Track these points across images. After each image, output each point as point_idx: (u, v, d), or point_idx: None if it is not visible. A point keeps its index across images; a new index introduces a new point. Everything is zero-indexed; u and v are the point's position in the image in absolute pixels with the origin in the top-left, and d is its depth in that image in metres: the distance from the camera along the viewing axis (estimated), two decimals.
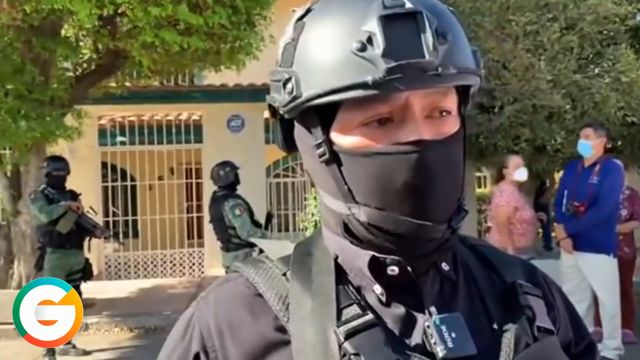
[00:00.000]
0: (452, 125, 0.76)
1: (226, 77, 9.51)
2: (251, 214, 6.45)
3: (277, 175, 11.71)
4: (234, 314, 0.79)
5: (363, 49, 0.69)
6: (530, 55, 7.35)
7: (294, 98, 0.75)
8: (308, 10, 0.78)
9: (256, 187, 10.63)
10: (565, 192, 5.17)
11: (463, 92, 0.80)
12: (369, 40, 0.69)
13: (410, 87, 0.70)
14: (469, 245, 0.90)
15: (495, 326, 0.79)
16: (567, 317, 0.91)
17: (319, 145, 0.77)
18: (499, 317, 0.80)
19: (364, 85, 0.69)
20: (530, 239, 5.63)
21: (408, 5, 0.71)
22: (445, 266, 0.81)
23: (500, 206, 5.45)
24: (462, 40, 0.76)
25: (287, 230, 11.37)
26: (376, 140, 0.74)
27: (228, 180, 6.48)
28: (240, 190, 6.46)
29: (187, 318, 0.83)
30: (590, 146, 5.03)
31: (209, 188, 7.89)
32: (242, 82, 10.06)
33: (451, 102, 0.76)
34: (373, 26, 0.70)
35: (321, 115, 0.76)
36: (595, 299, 5.32)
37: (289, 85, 0.75)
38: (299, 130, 0.81)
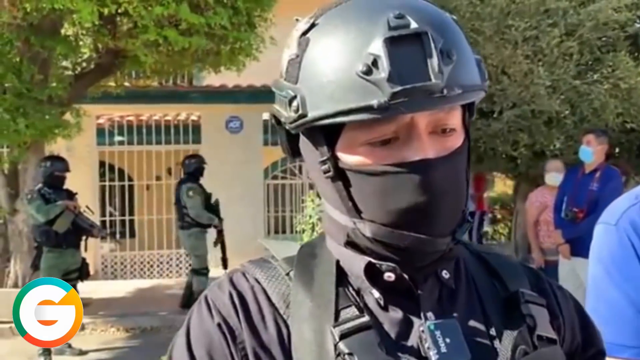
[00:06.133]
0: (456, 140, 0.77)
1: (225, 78, 9.50)
2: (207, 199, 7.66)
3: (275, 177, 11.68)
4: (243, 301, 0.80)
5: (369, 72, 0.69)
6: (529, 61, 7.38)
7: (300, 117, 0.75)
8: (312, 25, 0.76)
9: (254, 188, 10.63)
10: (565, 197, 5.17)
11: (468, 105, 0.80)
12: (374, 63, 0.69)
13: (416, 110, 0.70)
14: (474, 252, 0.90)
15: (493, 334, 0.79)
16: (577, 322, 0.90)
17: (323, 162, 0.77)
18: (498, 325, 0.80)
19: (369, 109, 0.69)
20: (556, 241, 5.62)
21: (413, 25, 0.70)
22: (445, 274, 0.81)
23: (527, 207, 5.65)
24: (467, 55, 0.75)
25: (284, 232, 11.34)
26: (382, 158, 0.74)
27: (189, 169, 7.74)
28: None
29: (200, 300, 0.83)
30: (591, 152, 5.02)
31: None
32: (241, 84, 10.05)
33: (455, 118, 0.77)
34: (378, 49, 0.69)
35: (326, 132, 0.76)
36: None
37: (295, 104, 0.75)
38: (304, 143, 0.81)
